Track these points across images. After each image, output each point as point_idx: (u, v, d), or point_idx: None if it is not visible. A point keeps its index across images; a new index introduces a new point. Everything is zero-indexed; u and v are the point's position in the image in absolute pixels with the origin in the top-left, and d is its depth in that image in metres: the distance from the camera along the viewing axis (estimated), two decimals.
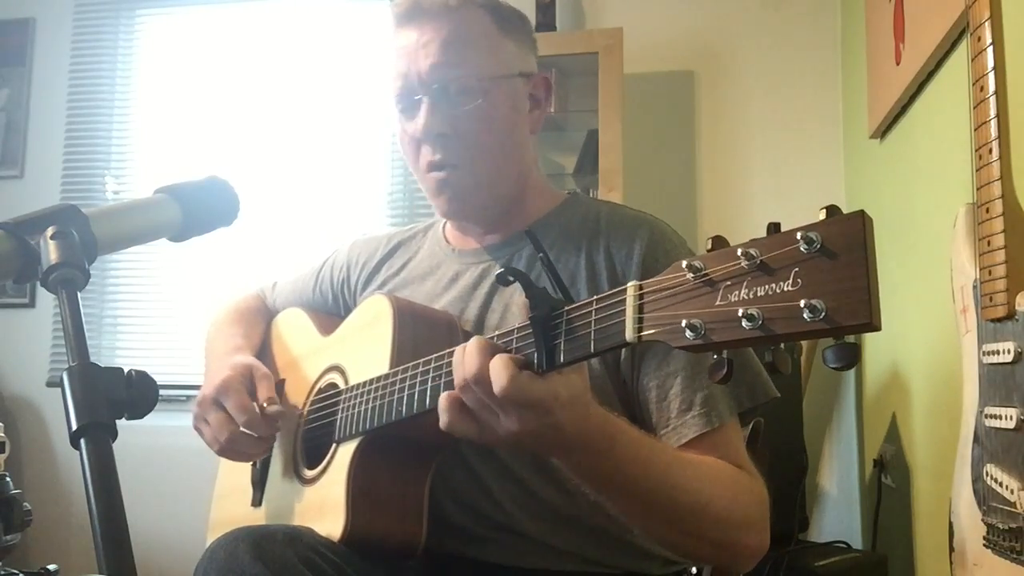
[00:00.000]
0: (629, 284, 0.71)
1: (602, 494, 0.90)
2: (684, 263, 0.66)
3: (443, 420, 0.83)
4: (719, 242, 0.66)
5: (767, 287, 0.61)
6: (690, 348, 0.65)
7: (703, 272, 0.65)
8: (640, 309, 0.69)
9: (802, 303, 0.58)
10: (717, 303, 0.63)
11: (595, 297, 0.74)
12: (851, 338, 0.64)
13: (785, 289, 0.60)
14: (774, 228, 0.62)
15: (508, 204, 1.17)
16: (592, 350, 0.73)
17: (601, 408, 0.84)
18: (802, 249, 0.59)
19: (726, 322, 0.63)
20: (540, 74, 1.19)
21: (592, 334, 0.73)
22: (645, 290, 0.70)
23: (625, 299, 0.71)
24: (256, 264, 3.01)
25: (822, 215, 0.60)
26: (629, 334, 0.69)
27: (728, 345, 0.64)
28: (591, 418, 0.82)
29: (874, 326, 0.56)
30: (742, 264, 0.62)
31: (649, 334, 0.68)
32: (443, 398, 0.82)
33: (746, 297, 0.62)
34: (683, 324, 0.64)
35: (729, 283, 0.63)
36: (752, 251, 0.62)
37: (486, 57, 1.11)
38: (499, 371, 0.76)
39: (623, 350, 1.02)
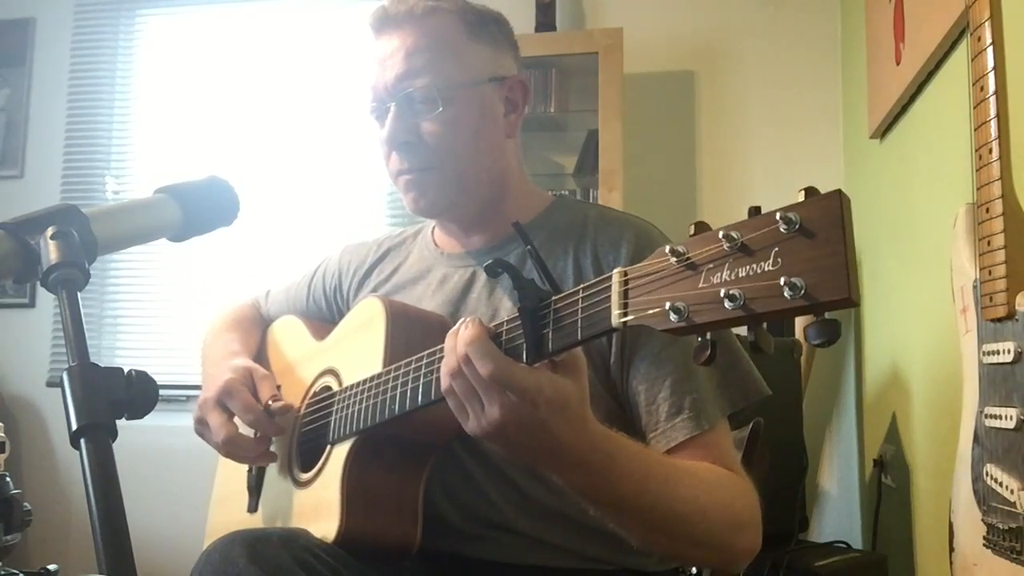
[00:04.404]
0: (615, 271, 0.72)
1: (601, 510, 0.90)
2: (667, 248, 0.67)
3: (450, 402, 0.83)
4: (701, 227, 0.67)
5: (748, 268, 0.62)
6: (675, 331, 0.66)
7: (686, 256, 0.66)
8: (625, 295, 0.70)
9: (782, 281, 0.59)
10: (700, 285, 0.65)
11: (582, 286, 0.75)
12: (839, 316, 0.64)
13: (766, 269, 0.61)
14: (755, 211, 0.63)
15: (484, 206, 1.17)
16: (579, 337, 0.74)
17: (601, 425, 0.84)
18: (782, 229, 0.60)
19: (709, 303, 0.64)
20: (516, 77, 1.17)
21: (579, 321, 0.74)
22: (630, 276, 0.71)
23: (611, 285, 0.72)
24: (256, 264, 3.01)
25: (801, 196, 0.61)
26: (615, 319, 0.71)
27: (712, 326, 0.65)
28: (590, 434, 0.82)
29: (852, 301, 0.58)
30: (724, 247, 0.63)
31: (634, 318, 0.69)
32: (443, 378, 0.82)
33: (728, 278, 0.63)
34: (667, 307, 0.66)
35: (711, 266, 0.64)
36: (733, 233, 0.63)
37: (451, 65, 1.11)
38: (484, 352, 0.77)
39: (612, 352, 1.04)
